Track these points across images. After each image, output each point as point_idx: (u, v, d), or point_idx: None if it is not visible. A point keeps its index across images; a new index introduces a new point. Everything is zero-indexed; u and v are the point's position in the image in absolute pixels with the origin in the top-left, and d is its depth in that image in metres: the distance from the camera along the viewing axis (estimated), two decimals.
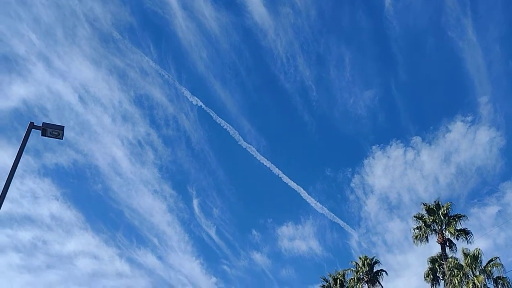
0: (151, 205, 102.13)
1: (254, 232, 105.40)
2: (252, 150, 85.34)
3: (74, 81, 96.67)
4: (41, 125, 14.92)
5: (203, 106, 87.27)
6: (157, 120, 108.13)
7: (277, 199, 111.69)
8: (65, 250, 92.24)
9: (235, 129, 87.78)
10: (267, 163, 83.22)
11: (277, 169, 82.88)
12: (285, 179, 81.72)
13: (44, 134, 15.01)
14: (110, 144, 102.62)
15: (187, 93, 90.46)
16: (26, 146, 14.80)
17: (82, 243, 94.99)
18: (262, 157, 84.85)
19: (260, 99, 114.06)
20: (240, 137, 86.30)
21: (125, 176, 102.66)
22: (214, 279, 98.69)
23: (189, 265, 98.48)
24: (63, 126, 15.16)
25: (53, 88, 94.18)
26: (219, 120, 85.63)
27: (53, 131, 15.03)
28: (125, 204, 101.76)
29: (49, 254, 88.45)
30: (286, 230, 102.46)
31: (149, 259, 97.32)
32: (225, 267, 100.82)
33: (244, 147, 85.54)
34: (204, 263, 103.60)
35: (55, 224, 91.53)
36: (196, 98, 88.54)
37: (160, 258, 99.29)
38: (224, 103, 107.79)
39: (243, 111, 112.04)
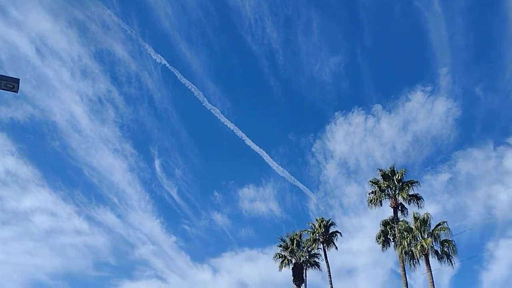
0: (111, 163, 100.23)
1: (215, 193, 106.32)
2: (216, 112, 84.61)
3: (31, 32, 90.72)
4: None
5: (167, 64, 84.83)
6: (118, 77, 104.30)
7: (239, 161, 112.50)
8: (21, 206, 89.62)
9: (200, 90, 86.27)
10: (231, 126, 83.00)
11: (240, 131, 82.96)
12: (248, 142, 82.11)
13: None
14: (69, 100, 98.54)
15: (150, 50, 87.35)
16: None
17: (39, 200, 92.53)
18: (226, 119, 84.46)
19: (226, 60, 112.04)
20: (205, 98, 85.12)
21: (84, 134, 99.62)
22: (174, 238, 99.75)
23: (149, 224, 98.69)
24: (19, 79, 14.19)
25: (8, 39, 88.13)
26: (183, 80, 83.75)
27: (8, 83, 14.04)
28: (84, 161, 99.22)
29: (4, 210, 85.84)
30: (247, 192, 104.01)
31: (108, 218, 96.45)
32: (185, 226, 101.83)
33: (208, 108, 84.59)
34: (164, 222, 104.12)
35: (11, 180, 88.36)
36: (160, 56, 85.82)
37: (119, 216, 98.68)
38: (189, 63, 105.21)
39: (208, 71, 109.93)
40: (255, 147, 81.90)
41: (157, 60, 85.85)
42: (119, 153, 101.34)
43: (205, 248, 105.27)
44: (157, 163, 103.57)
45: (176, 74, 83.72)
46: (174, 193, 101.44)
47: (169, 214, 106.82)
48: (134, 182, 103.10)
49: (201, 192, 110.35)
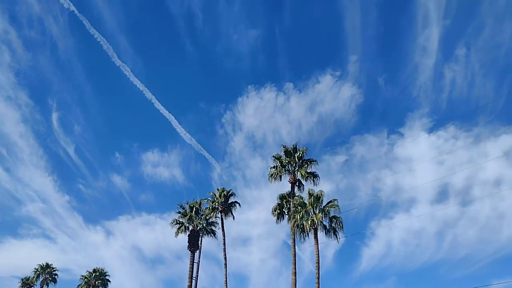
0: (2, 112, 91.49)
1: (117, 154, 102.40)
2: (126, 69, 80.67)
3: None
4: None
5: (76, 11, 78.38)
6: (18, 18, 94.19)
7: (146, 124, 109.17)
8: None
9: (110, 44, 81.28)
10: (141, 86, 79.87)
11: (150, 93, 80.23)
12: (157, 105, 79.85)
13: None
14: None
15: None
16: None
17: None
18: (136, 79, 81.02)
19: (142, 16, 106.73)
20: (115, 54, 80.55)
21: None
22: (67, 197, 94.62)
23: (40, 180, 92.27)
24: None
25: None
26: (92, 30, 78.15)
27: None
28: None
29: None
30: (151, 156, 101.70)
31: None
32: (80, 186, 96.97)
33: (117, 65, 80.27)
34: (57, 180, 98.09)
35: None
36: (68, 1, 78.84)
37: (7, 170, 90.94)
38: (101, 13, 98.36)
39: (121, 26, 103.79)
40: (164, 111, 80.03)
41: (64, 5, 79.00)
42: (12, 102, 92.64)
43: (100, 210, 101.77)
44: (54, 116, 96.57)
45: (85, 23, 77.87)
46: (71, 150, 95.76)
47: (63, 172, 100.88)
48: (27, 135, 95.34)
49: (101, 152, 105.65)
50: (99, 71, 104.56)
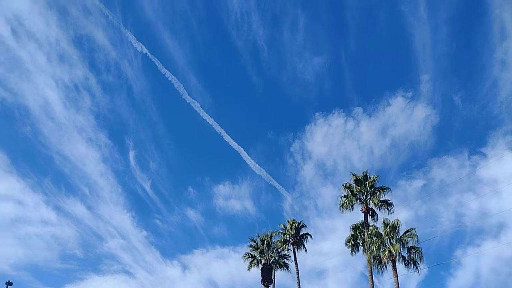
0: (84, 153, 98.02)
1: (190, 188, 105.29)
2: (196, 105, 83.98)
3: (6, 11, 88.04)
4: None
5: (148, 54, 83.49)
6: (97, 64, 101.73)
7: (216, 157, 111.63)
8: None
9: (180, 82, 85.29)
10: (210, 121, 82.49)
11: (219, 127, 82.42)
12: (227, 138, 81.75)
13: None
14: (43, 84, 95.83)
15: (132, 38, 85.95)
16: None
17: (5, 187, 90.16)
18: (206, 114, 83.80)
19: (209, 53, 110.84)
20: (185, 91, 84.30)
21: (58, 121, 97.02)
22: (144, 233, 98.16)
23: (119, 217, 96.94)
24: None
25: None
26: (164, 70, 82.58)
27: None
28: (55, 149, 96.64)
29: None
30: (222, 189, 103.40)
31: (78, 209, 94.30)
32: (157, 221, 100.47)
33: (188, 101, 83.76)
34: (135, 216, 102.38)
35: None
36: (142, 45, 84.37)
37: (89, 208, 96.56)
38: (171, 54, 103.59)
39: (190, 64, 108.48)
40: (233, 144, 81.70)
41: (138, 49, 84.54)
42: (93, 143, 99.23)
43: (176, 244, 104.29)
44: (131, 154, 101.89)
45: (157, 64, 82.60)
46: (147, 186, 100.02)
47: (141, 208, 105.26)
48: (107, 173, 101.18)
49: (175, 187, 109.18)
50: (171, 108, 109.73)
